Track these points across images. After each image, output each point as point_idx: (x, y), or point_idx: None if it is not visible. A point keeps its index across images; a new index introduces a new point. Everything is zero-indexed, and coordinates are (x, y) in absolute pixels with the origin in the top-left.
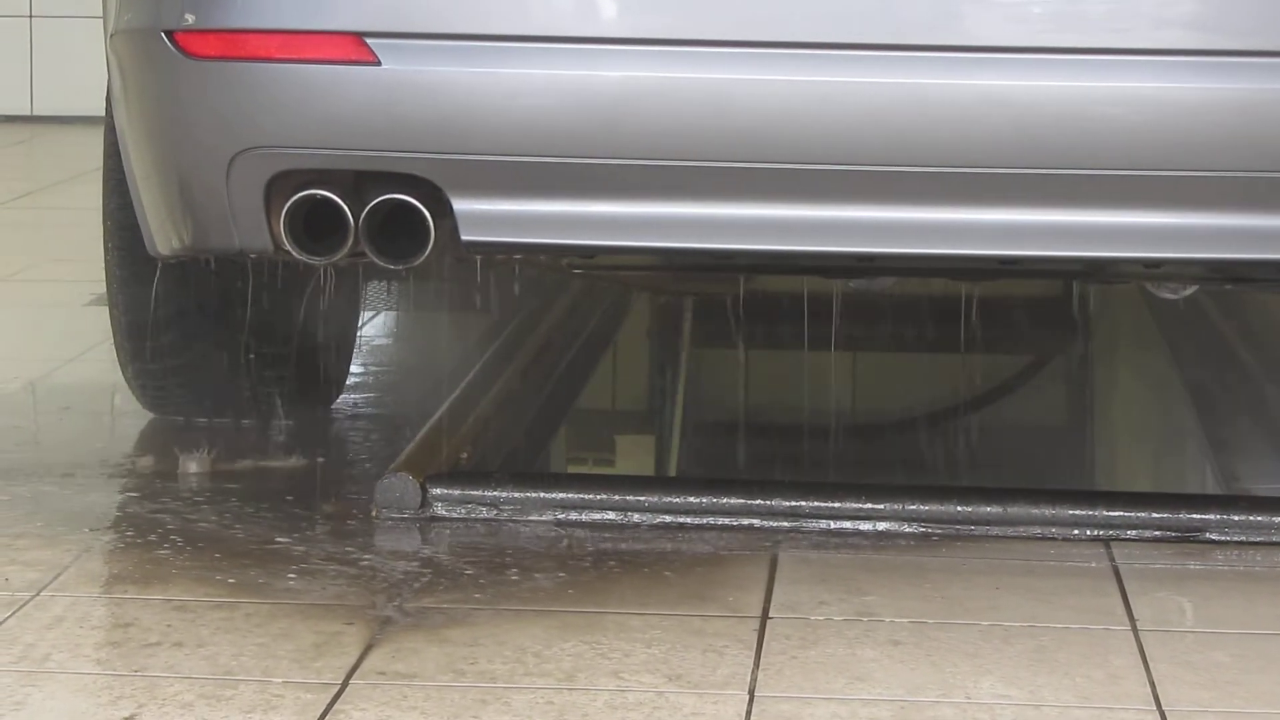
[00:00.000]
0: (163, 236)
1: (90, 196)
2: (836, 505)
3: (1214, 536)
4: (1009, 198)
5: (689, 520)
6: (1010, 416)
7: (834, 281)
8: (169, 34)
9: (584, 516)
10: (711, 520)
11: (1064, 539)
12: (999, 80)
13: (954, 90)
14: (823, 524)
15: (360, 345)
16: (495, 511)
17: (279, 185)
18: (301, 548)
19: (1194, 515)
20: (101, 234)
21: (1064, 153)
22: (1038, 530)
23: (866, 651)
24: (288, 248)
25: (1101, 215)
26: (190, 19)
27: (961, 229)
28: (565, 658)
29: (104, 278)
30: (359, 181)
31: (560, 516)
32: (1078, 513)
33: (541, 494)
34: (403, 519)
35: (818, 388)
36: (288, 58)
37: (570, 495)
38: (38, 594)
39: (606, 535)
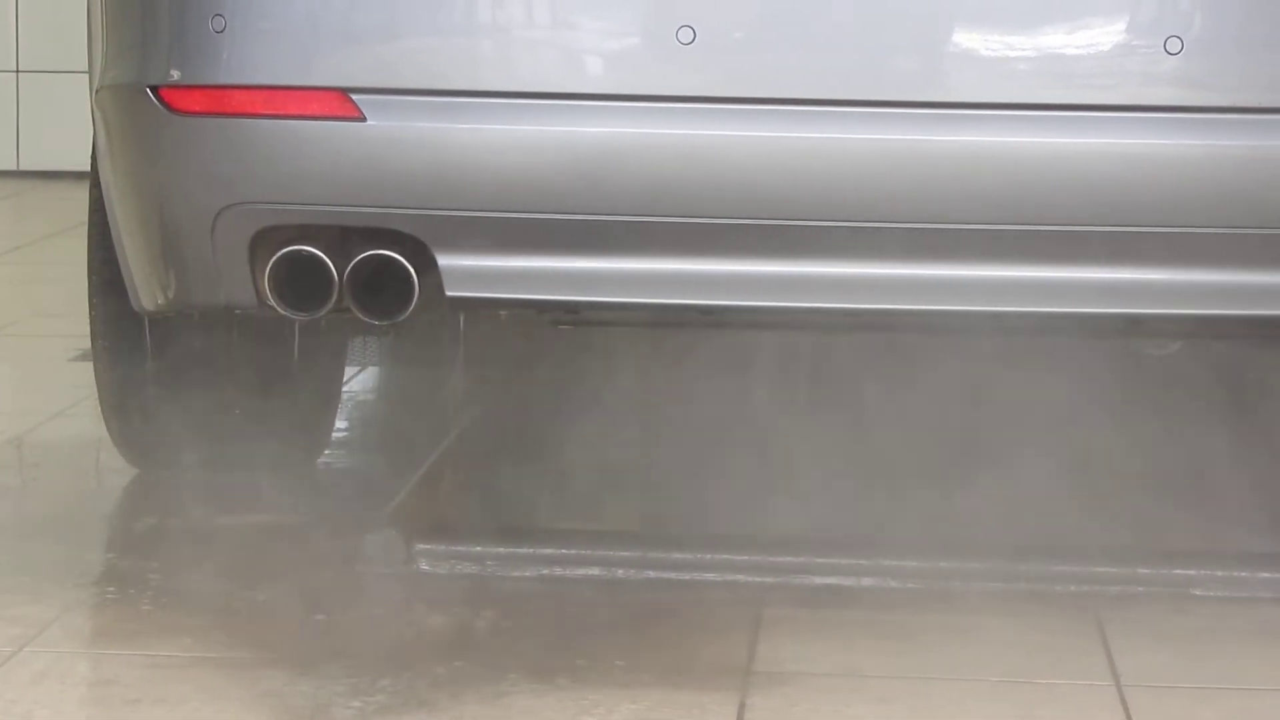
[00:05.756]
0: (147, 292)
1: (77, 251)
2: (822, 561)
3: (1198, 593)
4: (997, 254)
5: (674, 576)
6: (995, 471)
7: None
8: (154, 90)
9: (569, 572)
10: (696, 576)
11: (1049, 595)
12: (986, 136)
13: (941, 146)
14: (808, 580)
15: (345, 399)
16: (480, 567)
17: (264, 241)
18: (285, 603)
19: (1178, 571)
20: (87, 289)
21: (1052, 209)
22: (1023, 586)
23: (852, 709)
24: (272, 303)
25: (1089, 272)
26: (175, 75)
27: (949, 285)
28: (549, 713)
29: (89, 332)
30: (344, 237)
31: (545, 572)
32: (1063, 568)
33: (527, 550)
34: (387, 574)
35: (803, 439)
36: (273, 114)
37: (555, 551)
38: (20, 650)
39: (591, 591)
